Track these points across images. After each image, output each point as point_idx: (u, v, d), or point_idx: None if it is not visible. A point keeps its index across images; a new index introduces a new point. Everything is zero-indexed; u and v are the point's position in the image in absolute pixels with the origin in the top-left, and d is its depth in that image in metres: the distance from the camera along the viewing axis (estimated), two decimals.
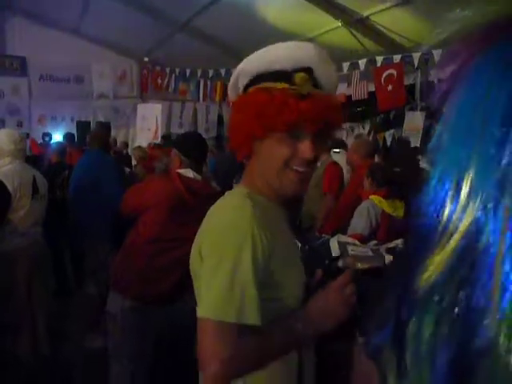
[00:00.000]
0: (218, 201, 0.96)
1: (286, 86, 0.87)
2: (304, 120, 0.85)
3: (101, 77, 8.99)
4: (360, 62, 5.93)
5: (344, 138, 6.85)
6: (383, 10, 6.09)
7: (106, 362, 2.19)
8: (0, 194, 2.59)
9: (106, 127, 7.81)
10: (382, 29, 6.56)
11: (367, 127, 7.41)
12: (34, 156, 5.50)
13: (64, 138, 6.29)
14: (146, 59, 9.80)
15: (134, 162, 5.59)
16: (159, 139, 7.42)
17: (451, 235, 0.29)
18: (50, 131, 8.34)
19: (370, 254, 1.77)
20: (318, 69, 0.91)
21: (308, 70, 0.89)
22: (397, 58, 5.63)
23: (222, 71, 7.45)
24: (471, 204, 0.28)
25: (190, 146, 2.16)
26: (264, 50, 0.93)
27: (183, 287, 1.95)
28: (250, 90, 0.94)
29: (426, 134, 6.28)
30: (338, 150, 4.37)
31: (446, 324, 0.28)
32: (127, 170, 4.87)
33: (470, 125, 0.30)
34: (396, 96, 5.62)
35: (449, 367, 0.28)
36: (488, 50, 0.32)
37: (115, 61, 9.63)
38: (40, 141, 7.66)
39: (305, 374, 0.97)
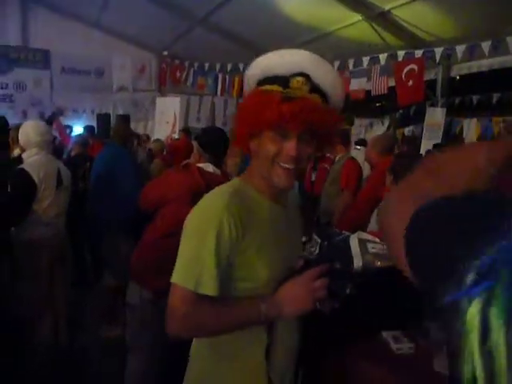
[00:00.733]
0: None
1: (279, 88, 0.97)
2: (286, 120, 0.93)
3: (121, 70, 9.06)
4: (380, 56, 5.85)
5: (362, 135, 6.81)
6: (404, 3, 5.99)
7: (123, 352, 2.23)
8: (26, 184, 2.65)
9: (126, 120, 7.88)
10: (403, 23, 6.46)
11: (386, 123, 7.32)
12: (54, 148, 5.58)
13: (85, 130, 6.37)
14: (165, 53, 9.84)
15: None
16: (177, 133, 7.46)
17: None
18: (70, 123, 8.46)
19: None
20: (314, 74, 0.98)
21: (305, 76, 0.97)
22: (418, 52, 5.54)
23: (241, 66, 7.45)
24: None
25: (210, 140, 2.18)
26: (263, 57, 1.03)
27: None
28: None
29: (447, 130, 6.20)
30: (359, 147, 4.34)
31: None
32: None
33: None
34: (416, 91, 5.54)
35: None
36: None
37: (135, 54, 9.69)
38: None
39: (273, 357, 1.03)
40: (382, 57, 5.82)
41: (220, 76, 8.35)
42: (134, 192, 2.38)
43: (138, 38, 9.49)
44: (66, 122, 8.81)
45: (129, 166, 3.49)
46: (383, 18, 6.43)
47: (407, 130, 6.73)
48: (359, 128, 7.37)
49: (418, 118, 6.39)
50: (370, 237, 1.91)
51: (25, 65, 9.13)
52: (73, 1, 8.57)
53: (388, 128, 7.14)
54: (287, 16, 6.86)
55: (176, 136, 7.18)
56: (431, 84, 6.03)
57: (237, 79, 7.87)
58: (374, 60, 5.93)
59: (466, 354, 0.32)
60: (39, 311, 2.80)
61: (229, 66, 7.97)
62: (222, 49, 8.10)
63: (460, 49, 5.18)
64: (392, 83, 5.74)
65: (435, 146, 5.21)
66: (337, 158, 3.99)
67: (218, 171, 2.13)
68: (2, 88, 9.03)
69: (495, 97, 5.84)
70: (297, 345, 1.14)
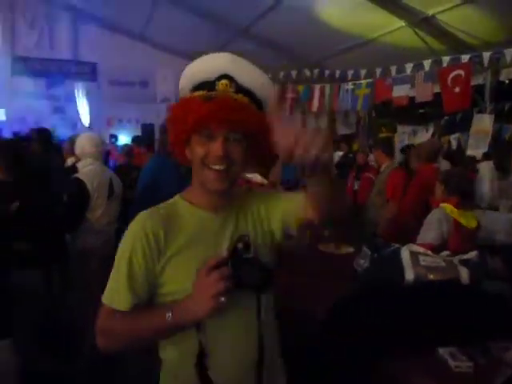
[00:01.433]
0: None
1: (203, 93, 0.98)
2: (206, 119, 0.94)
3: (164, 81, 9.33)
4: (425, 62, 5.72)
5: (406, 142, 6.65)
6: (449, 8, 5.86)
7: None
8: (80, 193, 2.77)
9: (166, 131, 8.09)
10: (447, 27, 6.31)
11: (431, 130, 7.13)
12: None
13: (133, 140, 6.59)
14: None
15: None
16: None
17: None
18: (115, 133, 8.80)
19: (443, 264, 1.72)
20: (238, 75, 0.99)
21: (229, 78, 0.98)
22: (465, 57, 5.37)
23: (281, 75, 7.49)
24: None
25: None
26: (188, 66, 1.04)
27: None
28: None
29: (495, 137, 5.96)
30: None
31: None
32: None
33: None
34: (463, 98, 5.35)
35: None
36: None
37: (177, 66, 9.91)
38: (107, 141, 8.10)
39: (216, 369, 1.00)
40: (427, 63, 5.69)
41: None
42: None
43: (181, 49, 9.76)
44: (111, 131, 9.18)
45: (173, 177, 3.57)
46: (427, 23, 6.32)
47: (453, 138, 6.52)
48: (402, 135, 7.22)
49: (465, 124, 6.19)
50: (421, 249, 1.88)
51: (74, 77, 9.62)
52: (119, 16, 8.95)
53: (433, 135, 6.94)
54: (329, 24, 6.86)
55: None
56: (479, 89, 5.84)
57: (276, 88, 7.92)
58: (418, 67, 5.80)
59: None
60: (89, 320, 2.86)
61: (269, 75, 8.03)
62: (263, 59, 8.17)
63: (509, 52, 5.01)
64: (437, 89, 5.59)
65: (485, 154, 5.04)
66: (382, 167, 3.93)
67: (265, 181, 2.16)
68: (54, 100, 9.55)
69: None
70: (256, 357, 1.04)
